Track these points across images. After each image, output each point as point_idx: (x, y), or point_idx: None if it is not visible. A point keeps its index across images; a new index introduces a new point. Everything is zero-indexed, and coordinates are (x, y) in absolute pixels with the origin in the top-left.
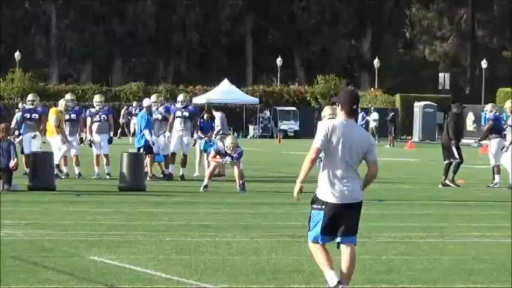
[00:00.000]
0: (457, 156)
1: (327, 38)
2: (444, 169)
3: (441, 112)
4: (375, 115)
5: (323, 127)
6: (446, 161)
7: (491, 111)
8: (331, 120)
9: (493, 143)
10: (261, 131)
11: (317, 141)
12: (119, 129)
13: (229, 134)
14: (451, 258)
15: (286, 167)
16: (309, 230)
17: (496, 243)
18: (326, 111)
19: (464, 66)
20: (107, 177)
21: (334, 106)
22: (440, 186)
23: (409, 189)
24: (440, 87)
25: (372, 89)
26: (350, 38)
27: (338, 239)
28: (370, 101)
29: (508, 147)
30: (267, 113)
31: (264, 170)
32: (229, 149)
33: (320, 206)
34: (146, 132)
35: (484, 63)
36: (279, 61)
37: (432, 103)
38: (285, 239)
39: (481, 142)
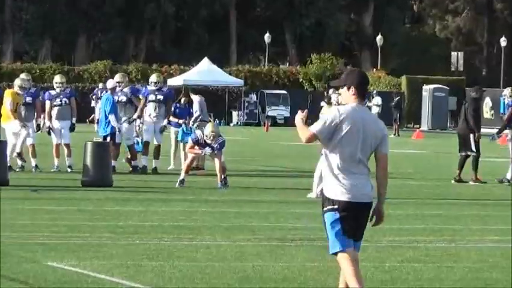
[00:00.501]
0: (474, 148)
1: (322, 10)
2: (459, 162)
3: (454, 97)
4: (377, 100)
5: (332, 113)
6: (462, 153)
7: (510, 96)
8: (342, 107)
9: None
10: (246, 117)
11: (317, 125)
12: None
13: (210, 120)
14: (465, 266)
15: (274, 159)
16: (328, 238)
17: None
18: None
19: (480, 44)
20: (69, 170)
21: (334, 91)
22: (453, 181)
23: (417, 185)
24: (452, 68)
25: (374, 69)
26: (349, 11)
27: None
28: (372, 84)
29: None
30: (253, 97)
31: (249, 162)
32: (209, 138)
33: (332, 206)
34: (111, 117)
35: (502, 41)
36: (267, 37)
37: (443, 86)
38: (273, 243)
39: (499, 134)
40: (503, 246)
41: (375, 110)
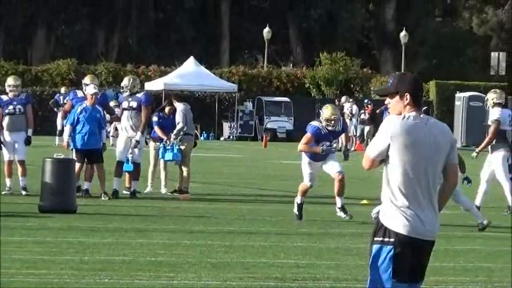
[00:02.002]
0: None
1: (334, 0)
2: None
3: None
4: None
5: (385, 126)
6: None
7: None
8: (396, 117)
9: None
10: (240, 130)
11: (372, 148)
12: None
13: (195, 133)
14: None
15: (273, 182)
16: (370, 275)
17: None
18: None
19: None
20: (23, 192)
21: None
22: (505, 212)
23: (449, 214)
24: (492, 72)
25: (397, 73)
26: (366, 1)
27: None
28: None
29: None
30: (249, 106)
31: (243, 185)
32: None
33: (387, 239)
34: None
35: None
36: (266, 32)
37: (481, 94)
38: (270, 283)
39: None
40: None
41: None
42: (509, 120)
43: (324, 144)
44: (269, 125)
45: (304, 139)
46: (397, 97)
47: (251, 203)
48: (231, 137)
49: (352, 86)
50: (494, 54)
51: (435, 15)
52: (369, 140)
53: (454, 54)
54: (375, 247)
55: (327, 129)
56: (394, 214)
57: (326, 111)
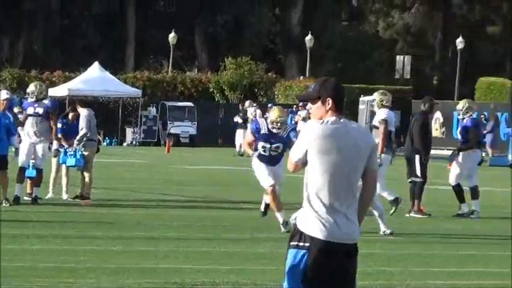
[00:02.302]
0: (419, 173)
1: (240, 5)
2: (411, 191)
3: (398, 111)
4: (303, 114)
5: (305, 131)
6: (412, 179)
7: (466, 112)
8: (315, 122)
9: (469, 157)
10: (143, 135)
11: (294, 152)
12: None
13: (98, 139)
14: None
15: (176, 187)
16: (286, 281)
17: None
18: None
19: (432, 46)
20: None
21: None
22: (408, 215)
23: None
24: (397, 75)
25: (302, 77)
26: (273, 6)
27: None
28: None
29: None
30: (153, 111)
31: (145, 190)
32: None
33: (301, 244)
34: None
35: (459, 42)
36: (172, 38)
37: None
38: None
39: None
40: None
41: (302, 125)
42: (394, 121)
43: (265, 147)
44: (172, 130)
45: (246, 137)
46: (319, 102)
47: (153, 208)
48: (134, 142)
49: (256, 90)
50: (399, 58)
51: (342, 19)
52: None
53: (360, 58)
54: (291, 252)
55: (270, 131)
56: (310, 218)
57: (273, 113)
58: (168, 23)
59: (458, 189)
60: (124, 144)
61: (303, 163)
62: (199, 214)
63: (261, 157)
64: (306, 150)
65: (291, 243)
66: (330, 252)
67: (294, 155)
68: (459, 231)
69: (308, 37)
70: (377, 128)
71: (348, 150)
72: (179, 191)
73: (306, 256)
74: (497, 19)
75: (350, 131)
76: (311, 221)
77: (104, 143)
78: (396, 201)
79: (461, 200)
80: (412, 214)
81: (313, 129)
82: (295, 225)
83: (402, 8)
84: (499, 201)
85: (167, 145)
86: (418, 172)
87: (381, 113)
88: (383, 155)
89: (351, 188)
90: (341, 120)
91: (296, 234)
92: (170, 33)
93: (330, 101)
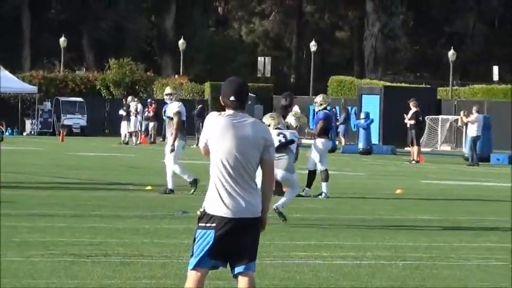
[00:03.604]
0: None
1: (120, 13)
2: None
3: (261, 105)
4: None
5: (206, 121)
6: None
7: (320, 105)
8: (215, 114)
9: (319, 143)
10: (40, 126)
11: (201, 140)
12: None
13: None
14: (271, 284)
15: (70, 171)
16: (192, 255)
17: (325, 264)
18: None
19: (289, 49)
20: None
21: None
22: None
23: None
24: (259, 75)
25: (176, 76)
26: (150, 14)
27: (237, 269)
28: None
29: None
30: (48, 105)
31: (43, 174)
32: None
33: (208, 224)
34: None
35: (313, 46)
36: (62, 41)
37: (249, 94)
38: (68, 259)
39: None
40: (310, 263)
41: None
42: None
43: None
44: (66, 122)
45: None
46: (223, 98)
47: (51, 189)
48: (32, 132)
49: (137, 87)
50: (260, 59)
51: (209, 26)
52: (153, 133)
53: (226, 59)
54: (199, 232)
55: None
56: (214, 200)
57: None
58: (59, 29)
59: (312, 174)
60: (24, 134)
61: (207, 149)
62: (92, 194)
63: None
64: (207, 139)
65: (200, 224)
66: (232, 227)
67: (200, 142)
68: (319, 210)
69: (181, 41)
70: (171, 118)
71: (240, 141)
72: (73, 174)
73: (212, 234)
74: (345, 26)
75: (246, 125)
76: (215, 202)
77: (7, 133)
78: (195, 182)
79: (309, 184)
80: (276, 195)
81: (211, 120)
82: (204, 208)
83: (262, 15)
84: (348, 184)
85: (61, 135)
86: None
87: (175, 106)
88: (176, 142)
89: (247, 173)
90: (239, 114)
91: (203, 215)
92: (61, 37)
93: (232, 97)
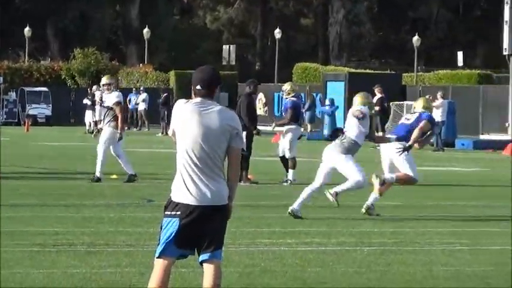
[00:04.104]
0: (245, 147)
1: (85, 2)
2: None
3: (226, 93)
4: (144, 96)
5: (174, 109)
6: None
7: (288, 94)
8: (181, 102)
9: (289, 130)
10: (5, 116)
11: (170, 127)
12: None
13: None
14: (236, 271)
15: (36, 160)
16: (158, 243)
17: (290, 251)
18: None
19: (254, 36)
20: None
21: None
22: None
23: None
24: (224, 62)
25: (141, 64)
26: (114, 3)
27: (202, 257)
28: (139, 80)
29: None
30: (13, 95)
31: (9, 163)
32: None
33: (173, 212)
34: None
35: (277, 33)
36: (27, 31)
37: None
38: (34, 249)
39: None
40: (275, 250)
41: (142, 106)
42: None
43: None
44: (31, 112)
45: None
46: (193, 86)
47: (17, 179)
48: None
49: (102, 76)
50: (225, 47)
51: (174, 14)
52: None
53: (191, 47)
54: (165, 220)
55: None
56: (179, 187)
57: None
58: (23, 19)
59: (284, 160)
60: None
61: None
62: (57, 184)
63: None
64: (174, 126)
65: (165, 213)
66: (198, 215)
67: (170, 130)
68: (284, 197)
69: (145, 30)
70: (110, 108)
71: (207, 127)
72: (39, 164)
73: (177, 221)
74: (310, 13)
75: (213, 113)
76: (180, 189)
77: None
78: (99, 180)
79: (287, 168)
80: (241, 183)
81: (177, 108)
82: (170, 196)
83: (226, 3)
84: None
85: (26, 125)
86: (244, 146)
87: (114, 96)
88: (115, 130)
89: (212, 161)
90: (207, 101)
91: (169, 204)
92: (26, 27)
93: (198, 86)
